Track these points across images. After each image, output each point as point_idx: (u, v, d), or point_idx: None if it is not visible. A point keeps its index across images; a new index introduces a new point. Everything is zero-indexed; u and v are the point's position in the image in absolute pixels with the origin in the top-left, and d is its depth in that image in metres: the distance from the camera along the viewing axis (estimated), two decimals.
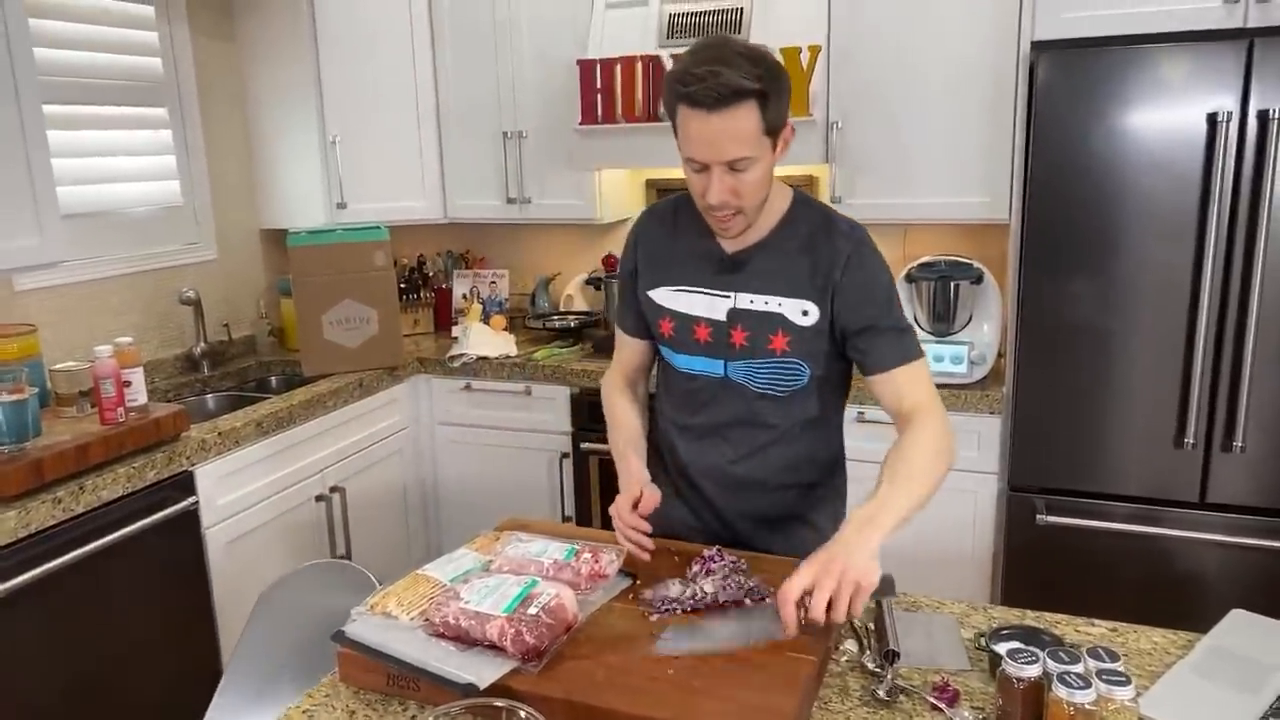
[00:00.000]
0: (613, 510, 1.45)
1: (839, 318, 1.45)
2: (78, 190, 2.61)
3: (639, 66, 2.70)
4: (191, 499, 2.24)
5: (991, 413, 2.46)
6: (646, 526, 1.42)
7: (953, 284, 2.53)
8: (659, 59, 2.69)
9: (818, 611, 1.14)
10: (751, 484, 1.56)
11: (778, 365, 1.48)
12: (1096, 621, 1.34)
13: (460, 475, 3.12)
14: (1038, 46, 2.24)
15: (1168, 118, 2.12)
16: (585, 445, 2.88)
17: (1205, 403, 2.21)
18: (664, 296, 1.55)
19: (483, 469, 3.08)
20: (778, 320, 1.46)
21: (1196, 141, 2.11)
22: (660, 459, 1.65)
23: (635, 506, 1.43)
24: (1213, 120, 2.08)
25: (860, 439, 2.57)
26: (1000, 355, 2.54)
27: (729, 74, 1.29)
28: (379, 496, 2.93)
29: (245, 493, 2.41)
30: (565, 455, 2.93)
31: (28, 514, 1.87)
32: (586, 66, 2.76)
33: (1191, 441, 2.23)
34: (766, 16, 2.71)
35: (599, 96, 2.76)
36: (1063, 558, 2.38)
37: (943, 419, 1.42)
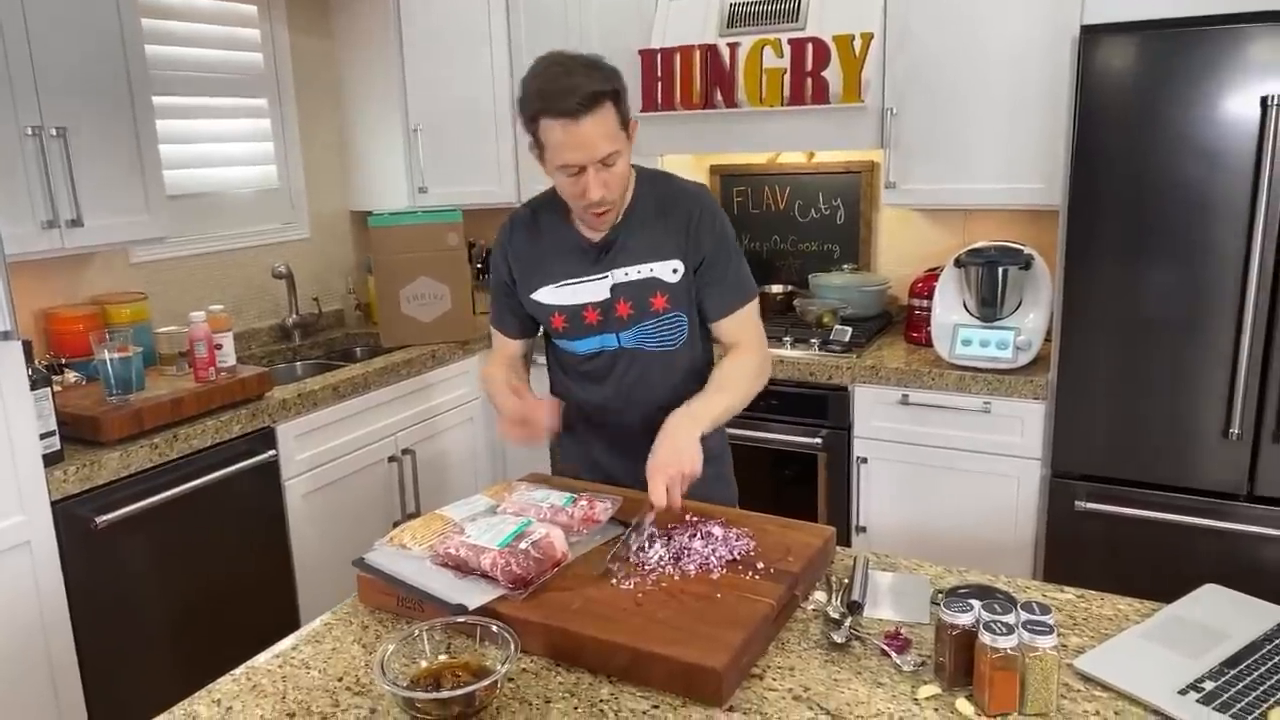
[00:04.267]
0: (510, 416, 1.66)
1: (694, 267, 1.67)
2: (184, 173, 2.90)
3: (696, 56, 2.80)
4: (272, 452, 2.48)
5: (1036, 399, 2.46)
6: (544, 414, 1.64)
7: (1000, 269, 2.53)
8: (715, 48, 2.78)
9: (658, 497, 1.41)
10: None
11: (661, 320, 1.67)
12: (1065, 588, 1.39)
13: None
14: (1087, 30, 2.23)
15: (1218, 102, 2.08)
16: None
17: (1254, 392, 2.16)
18: (549, 295, 1.70)
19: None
20: (654, 283, 1.65)
21: (1249, 126, 2.07)
22: (574, 438, 1.83)
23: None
24: (1265, 104, 2.04)
25: (905, 421, 2.64)
26: (1047, 341, 2.53)
27: (584, 82, 1.46)
28: (449, 460, 3.14)
29: (322, 450, 2.64)
30: None
31: (128, 456, 2.13)
32: (647, 56, 2.88)
33: (1238, 432, 2.19)
34: (824, 3, 2.76)
35: (659, 85, 2.88)
36: (1103, 546, 2.37)
37: (760, 351, 1.72)
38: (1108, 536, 2.36)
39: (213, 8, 2.97)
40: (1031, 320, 2.55)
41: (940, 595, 1.32)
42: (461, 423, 3.18)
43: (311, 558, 2.62)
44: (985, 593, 1.29)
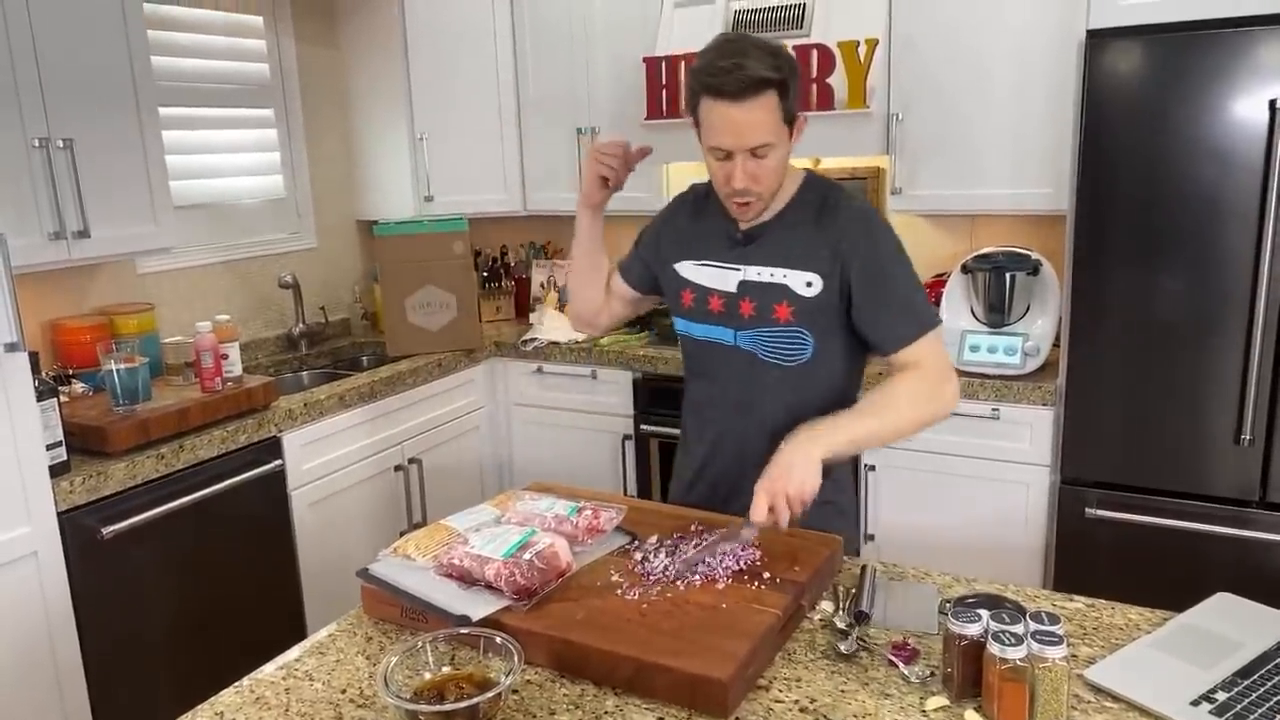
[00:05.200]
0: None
1: (848, 292, 1.54)
2: (191, 184, 2.91)
3: None
4: (278, 462, 2.48)
5: (1044, 405, 2.44)
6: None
7: (1008, 275, 2.52)
8: None
9: (758, 515, 1.35)
10: (767, 451, 1.52)
11: (781, 333, 1.57)
12: (1075, 597, 1.37)
13: (534, 452, 3.29)
14: (1093, 35, 2.22)
15: (1226, 105, 2.07)
16: (646, 428, 3.01)
17: (1265, 397, 2.15)
18: (687, 270, 1.67)
19: (554, 447, 3.24)
20: (782, 291, 1.55)
21: (1257, 129, 2.06)
22: (686, 438, 1.78)
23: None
24: (1274, 107, 2.03)
25: None
26: (1056, 347, 2.52)
27: (752, 65, 1.40)
28: (455, 469, 3.13)
29: (328, 459, 2.64)
30: (628, 437, 3.06)
31: (135, 466, 2.14)
32: (652, 64, 2.88)
33: (1249, 438, 2.17)
34: (829, 9, 2.76)
35: (664, 92, 2.88)
36: (1114, 553, 2.35)
37: (935, 377, 1.51)
38: (1118, 544, 2.34)
39: (219, 19, 2.98)
40: (1040, 326, 2.54)
41: (948, 605, 1.30)
42: (468, 431, 3.18)
43: (318, 567, 2.61)
44: (994, 602, 1.28)
